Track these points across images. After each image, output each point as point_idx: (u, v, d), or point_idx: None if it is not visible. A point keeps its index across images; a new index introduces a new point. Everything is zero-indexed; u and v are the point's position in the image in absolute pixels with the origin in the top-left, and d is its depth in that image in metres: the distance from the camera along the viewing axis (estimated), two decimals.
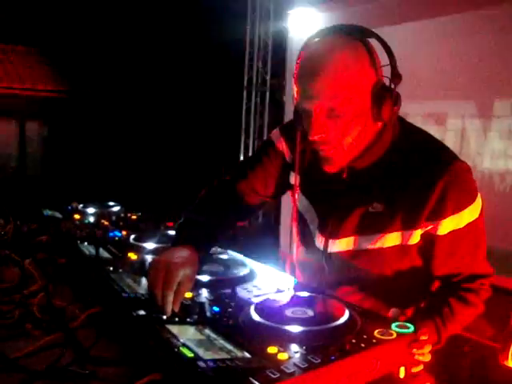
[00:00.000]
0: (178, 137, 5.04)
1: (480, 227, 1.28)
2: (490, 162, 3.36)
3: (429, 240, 1.26)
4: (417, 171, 1.24)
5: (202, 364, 0.87)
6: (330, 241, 1.36)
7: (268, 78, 5.72)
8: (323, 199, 1.40)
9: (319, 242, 1.40)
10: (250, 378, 0.82)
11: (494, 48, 3.23)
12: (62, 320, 1.19)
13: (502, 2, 3.21)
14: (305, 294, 1.18)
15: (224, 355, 0.91)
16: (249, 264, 1.46)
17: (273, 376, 0.83)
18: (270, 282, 1.32)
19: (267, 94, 5.74)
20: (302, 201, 1.46)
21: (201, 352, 0.92)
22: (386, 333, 0.99)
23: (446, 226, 1.22)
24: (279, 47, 5.05)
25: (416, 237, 1.26)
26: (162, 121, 5.20)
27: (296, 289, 1.23)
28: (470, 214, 1.23)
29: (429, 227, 1.24)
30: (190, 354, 0.91)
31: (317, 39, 1.23)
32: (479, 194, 1.27)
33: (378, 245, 1.29)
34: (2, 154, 7.25)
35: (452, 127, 3.50)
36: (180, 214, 1.50)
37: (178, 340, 0.97)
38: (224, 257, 1.51)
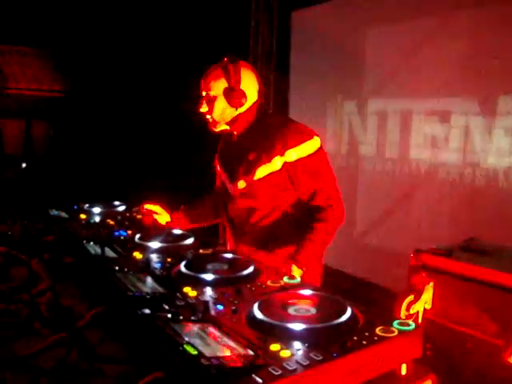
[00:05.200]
0: (184, 136, 5.05)
1: (321, 160, 1.99)
2: (494, 159, 3.35)
3: (287, 167, 1.95)
4: (272, 130, 2.00)
5: (205, 362, 0.88)
6: (232, 186, 2.10)
7: (272, 75, 5.72)
8: (228, 161, 2.19)
9: (230, 190, 2.13)
10: (253, 376, 0.83)
11: (498, 45, 3.22)
12: (69, 319, 1.21)
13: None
14: (308, 291, 1.20)
15: (227, 353, 0.93)
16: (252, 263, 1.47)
17: (275, 373, 0.84)
18: (273, 279, 1.32)
19: (271, 89, 5.73)
20: (222, 173, 2.21)
21: (204, 350, 0.93)
22: (388, 330, 1.00)
23: (292, 154, 1.94)
24: (283, 45, 5.04)
25: (275, 162, 1.96)
26: (167, 121, 5.21)
27: (298, 287, 1.25)
28: (308, 147, 1.95)
29: (282, 157, 1.94)
30: (194, 352, 0.92)
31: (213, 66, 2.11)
32: (318, 139, 1.98)
33: (256, 177, 1.99)
34: (9, 154, 7.29)
35: (456, 124, 3.49)
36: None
37: (182, 338, 0.98)
38: (227, 255, 1.53)
